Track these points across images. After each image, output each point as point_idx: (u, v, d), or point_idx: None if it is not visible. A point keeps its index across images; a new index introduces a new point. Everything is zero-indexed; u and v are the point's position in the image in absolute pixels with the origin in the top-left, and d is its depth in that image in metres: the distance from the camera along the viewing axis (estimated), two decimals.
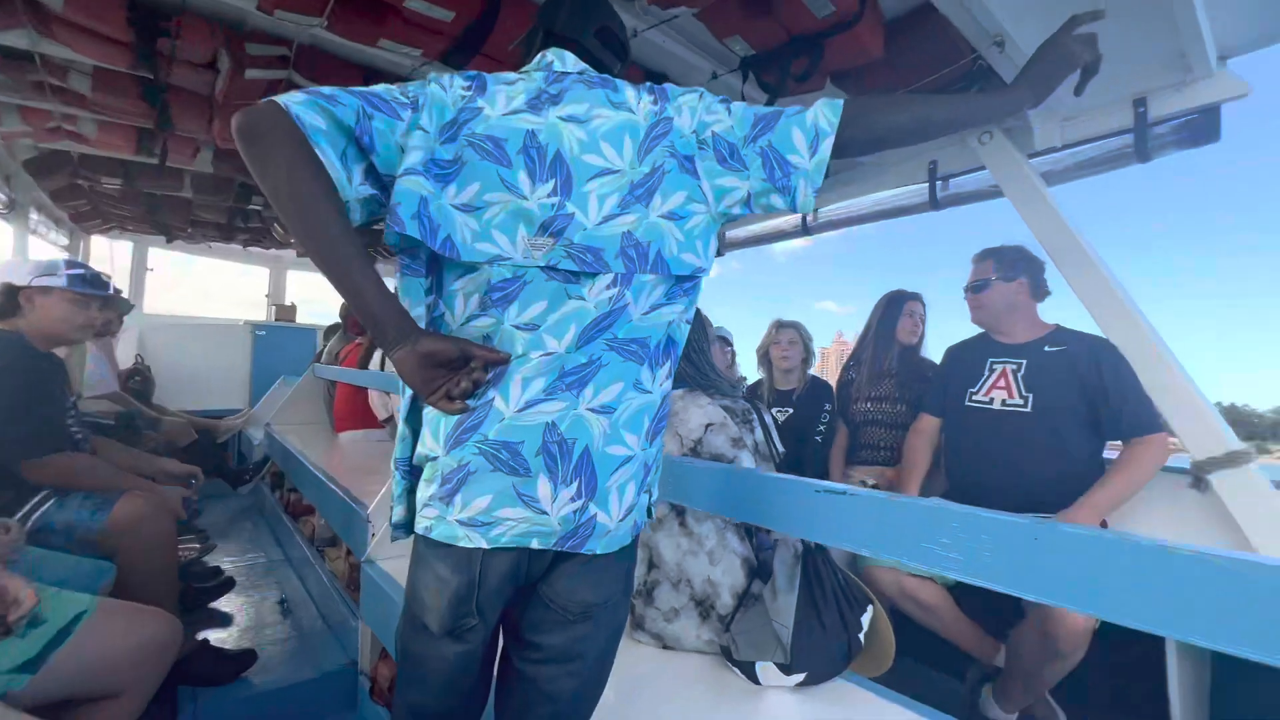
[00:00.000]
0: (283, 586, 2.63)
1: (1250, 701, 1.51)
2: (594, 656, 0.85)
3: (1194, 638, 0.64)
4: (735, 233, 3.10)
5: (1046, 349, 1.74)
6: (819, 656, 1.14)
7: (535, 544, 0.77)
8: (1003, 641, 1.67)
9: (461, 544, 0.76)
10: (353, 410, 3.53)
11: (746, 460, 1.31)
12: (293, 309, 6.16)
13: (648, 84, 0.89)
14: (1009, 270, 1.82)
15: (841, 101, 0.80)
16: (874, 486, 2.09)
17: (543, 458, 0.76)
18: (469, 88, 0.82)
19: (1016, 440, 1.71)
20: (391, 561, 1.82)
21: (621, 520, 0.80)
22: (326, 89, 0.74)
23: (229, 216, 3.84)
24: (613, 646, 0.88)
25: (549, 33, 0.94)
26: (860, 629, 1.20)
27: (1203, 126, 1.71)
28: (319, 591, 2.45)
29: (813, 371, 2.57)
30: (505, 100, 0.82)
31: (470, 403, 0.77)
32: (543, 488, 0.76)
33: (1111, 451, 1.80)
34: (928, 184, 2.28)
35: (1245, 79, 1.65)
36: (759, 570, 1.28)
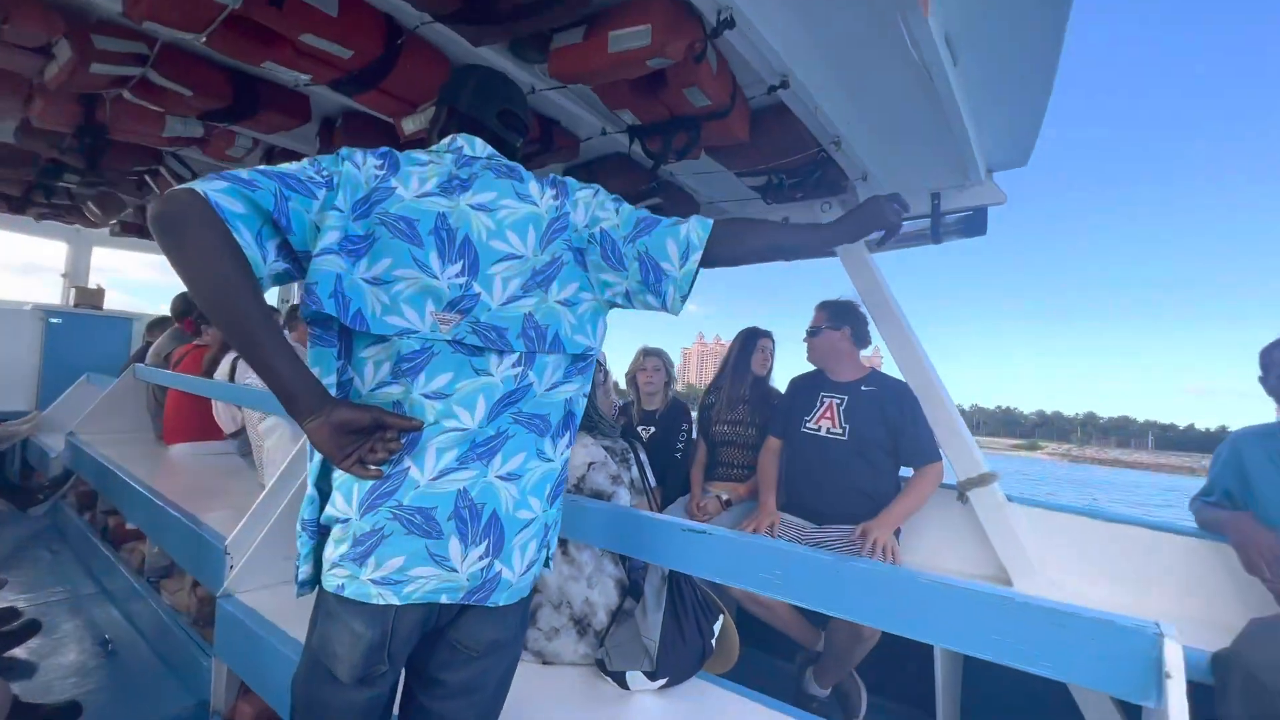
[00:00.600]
0: (102, 625, 2.34)
1: (992, 680, 2.01)
2: (493, 686, 0.96)
3: (936, 641, 0.92)
4: None
5: (863, 388, 2.14)
6: (679, 662, 1.35)
7: (444, 599, 0.86)
8: (823, 630, 2.03)
9: (374, 601, 0.83)
10: (187, 420, 3.18)
11: (624, 495, 1.49)
12: (99, 293, 5.26)
13: (551, 177, 1.01)
14: (837, 320, 2.19)
15: (712, 222, 0.99)
16: (727, 500, 2.40)
17: (454, 521, 0.85)
18: (381, 166, 0.89)
19: (837, 463, 2.08)
20: (254, 594, 1.74)
21: (523, 575, 0.91)
22: (245, 173, 0.78)
23: (25, 190, 3.25)
24: (509, 676, 1.00)
25: (453, 110, 1.03)
26: (713, 635, 1.44)
27: (976, 221, 2.22)
28: (153, 628, 2.22)
29: (675, 383, 2.86)
30: (418, 182, 0.89)
31: (384, 469, 0.84)
32: (454, 548, 0.85)
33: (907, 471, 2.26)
34: None
35: (1005, 191, 2.17)
36: (631, 590, 1.47)
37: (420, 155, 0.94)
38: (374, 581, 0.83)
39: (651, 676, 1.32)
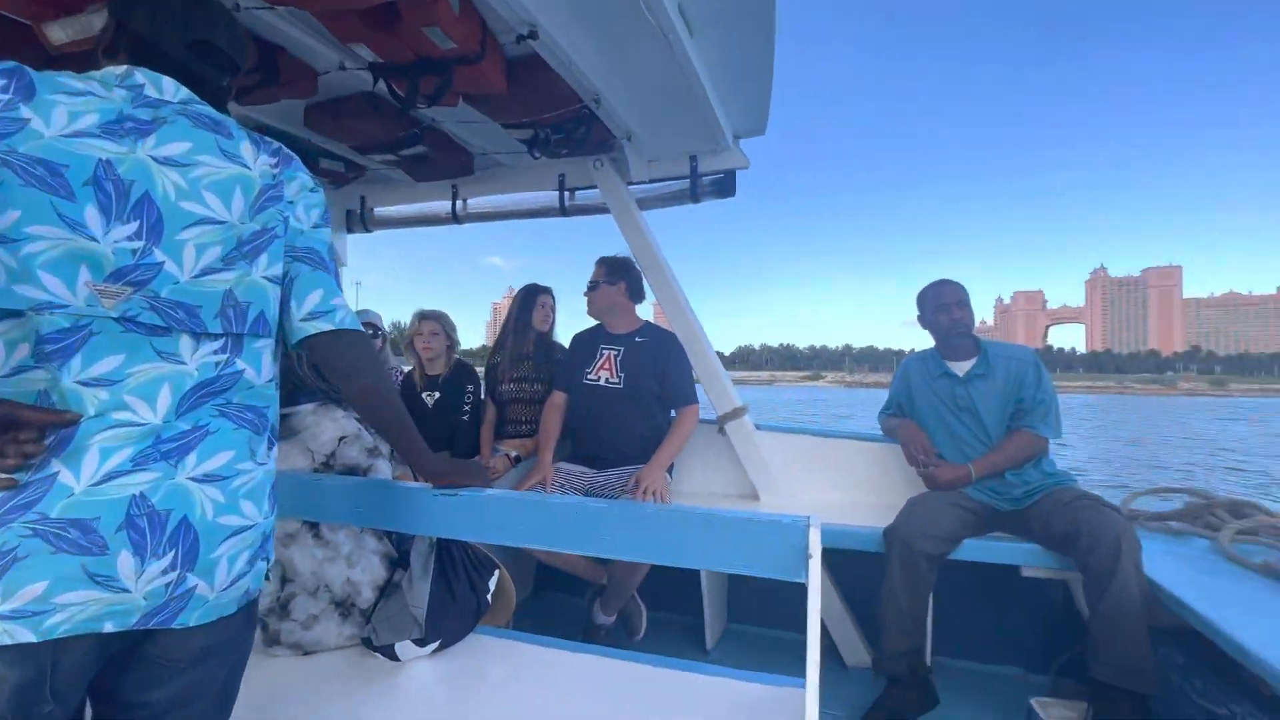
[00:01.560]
0: None
1: (753, 590, 2.37)
2: (214, 694, 0.85)
3: (662, 560, 1.05)
4: (386, 212, 3.02)
5: (637, 339, 2.30)
6: (452, 623, 1.36)
7: (110, 626, 0.72)
8: (605, 566, 2.21)
9: (1, 641, 0.67)
10: None
11: (383, 467, 1.42)
12: None
13: (270, 143, 0.89)
14: (613, 275, 2.30)
15: (355, 317, 0.95)
16: (516, 457, 2.44)
17: (126, 532, 0.71)
18: (7, 88, 0.69)
19: (615, 411, 2.23)
20: None
21: (226, 589, 0.80)
22: None
23: None
24: (236, 679, 0.89)
25: (123, 27, 0.83)
26: (488, 590, 1.47)
27: (726, 184, 2.46)
28: None
29: (459, 346, 2.77)
30: (66, 116, 0.71)
31: (21, 476, 0.68)
32: (124, 564, 0.71)
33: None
34: (558, 192, 2.66)
35: (750, 157, 2.43)
36: (401, 561, 1.43)
37: (72, 81, 0.74)
38: (3, 616, 0.67)
39: (421, 643, 1.31)
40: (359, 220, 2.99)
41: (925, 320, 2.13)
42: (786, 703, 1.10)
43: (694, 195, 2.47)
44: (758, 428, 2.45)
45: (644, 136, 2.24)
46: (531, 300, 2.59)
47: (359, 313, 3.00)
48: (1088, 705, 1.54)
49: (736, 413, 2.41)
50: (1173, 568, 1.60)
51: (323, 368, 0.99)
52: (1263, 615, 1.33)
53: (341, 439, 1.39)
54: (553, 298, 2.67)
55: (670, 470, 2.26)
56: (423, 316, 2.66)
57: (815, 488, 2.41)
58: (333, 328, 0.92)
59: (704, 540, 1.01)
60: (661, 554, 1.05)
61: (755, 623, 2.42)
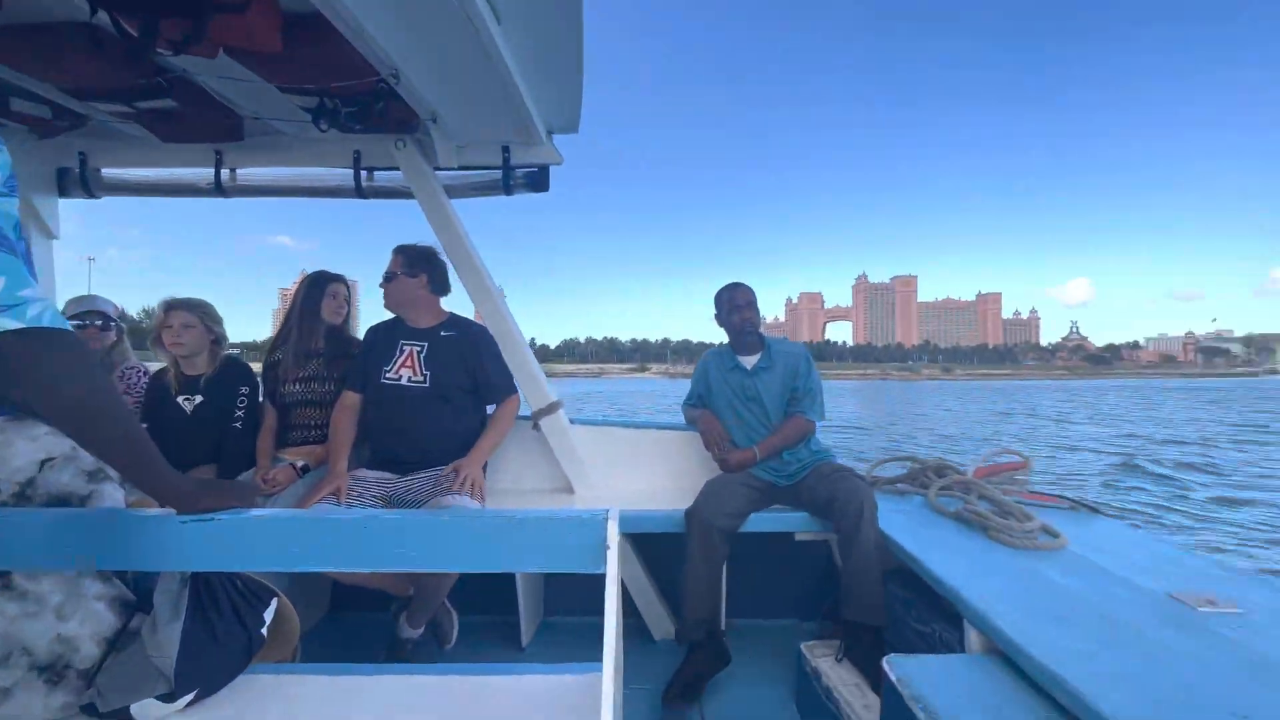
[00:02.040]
0: None
1: (568, 581, 2.38)
2: None
3: (456, 568, 1.02)
4: (120, 175, 2.45)
5: (443, 334, 2.17)
6: (213, 667, 1.16)
7: None
8: (412, 576, 2.07)
9: None
10: None
11: (112, 493, 1.16)
12: None
13: None
14: (413, 267, 2.14)
15: (62, 322, 0.77)
16: (304, 467, 2.16)
17: None
18: None
19: (420, 410, 2.08)
20: None
21: None
22: None
23: None
24: None
25: None
26: (263, 624, 1.28)
27: (540, 178, 2.45)
28: None
29: (226, 341, 2.34)
30: None
31: None
32: None
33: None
34: (353, 170, 2.40)
35: (564, 154, 2.44)
36: (139, 603, 1.18)
37: None
38: None
39: (170, 698, 1.10)
40: (78, 181, 2.39)
41: (720, 319, 2.35)
42: (591, 690, 1.14)
43: (506, 187, 2.42)
44: (571, 422, 2.50)
45: (451, 120, 2.12)
46: (319, 289, 2.30)
47: (80, 299, 2.40)
48: (840, 642, 1.86)
49: (551, 408, 2.42)
50: (898, 521, 2.00)
51: (10, 378, 0.77)
52: (950, 552, 1.72)
53: (46, 462, 1.10)
54: (347, 287, 2.41)
55: (484, 467, 2.20)
56: (170, 306, 2.19)
57: (626, 477, 2.53)
58: (20, 325, 0.73)
59: (507, 542, 1.00)
60: (464, 561, 1.02)
61: (572, 613, 2.48)
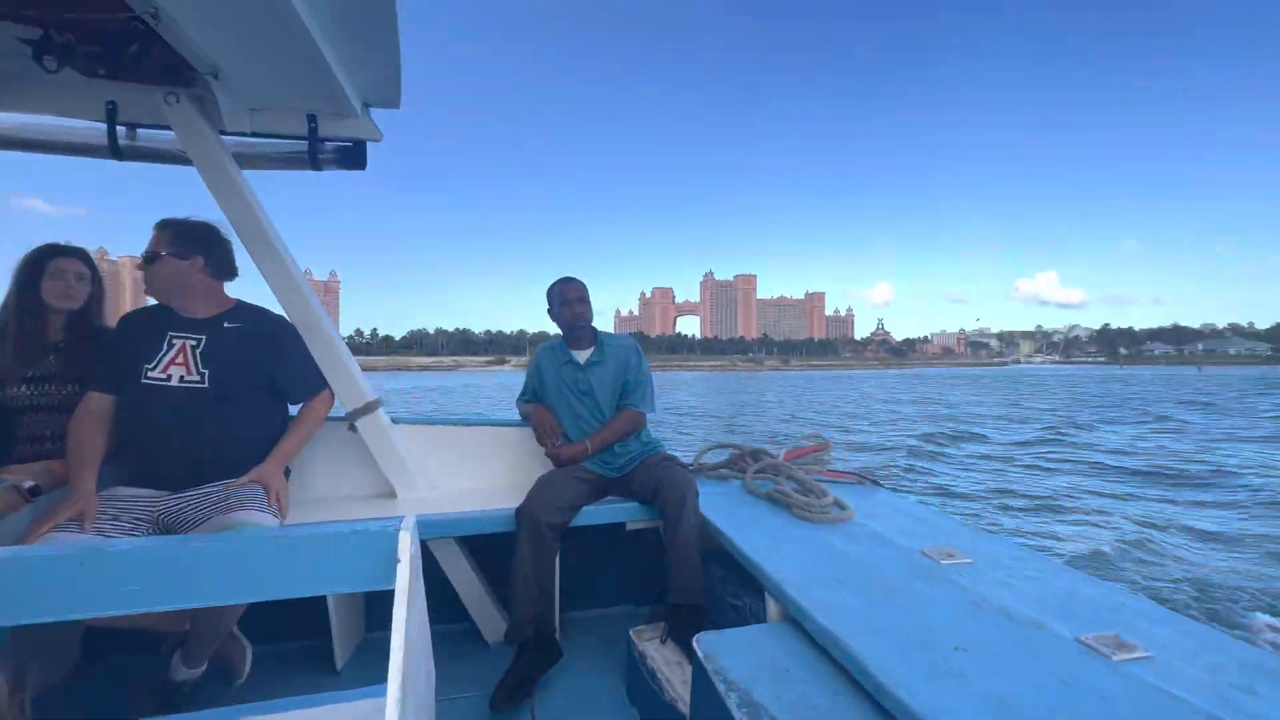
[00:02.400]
0: None
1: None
2: None
3: (276, 594, 0.88)
4: None
5: (226, 325, 1.86)
6: None
7: None
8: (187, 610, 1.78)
9: None
10: None
11: None
12: None
13: None
14: (184, 247, 1.80)
15: None
16: (33, 488, 1.74)
17: None
18: None
19: (198, 416, 1.76)
20: None
21: None
22: None
23: None
24: None
25: None
26: None
27: (354, 154, 2.21)
28: None
29: None
30: None
31: None
32: None
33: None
34: (106, 125, 1.98)
35: (385, 131, 2.23)
36: None
37: None
38: None
39: None
40: None
41: (553, 313, 2.33)
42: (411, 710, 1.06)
43: (314, 161, 2.15)
44: (395, 421, 2.31)
45: (239, 79, 1.82)
46: (38, 267, 1.84)
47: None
48: (665, 624, 1.95)
49: (369, 407, 2.22)
50: (719, 504, 2.14)
51: None
52: (758, 530, 1.88)
53: None
54: (89, 266, 1.95)
55: (287, 474, 1.95)
56: None
57: (457, 477, 2.41)
58: None
59: (287, 564, 0.89)
60: (231, 592, 0.88)
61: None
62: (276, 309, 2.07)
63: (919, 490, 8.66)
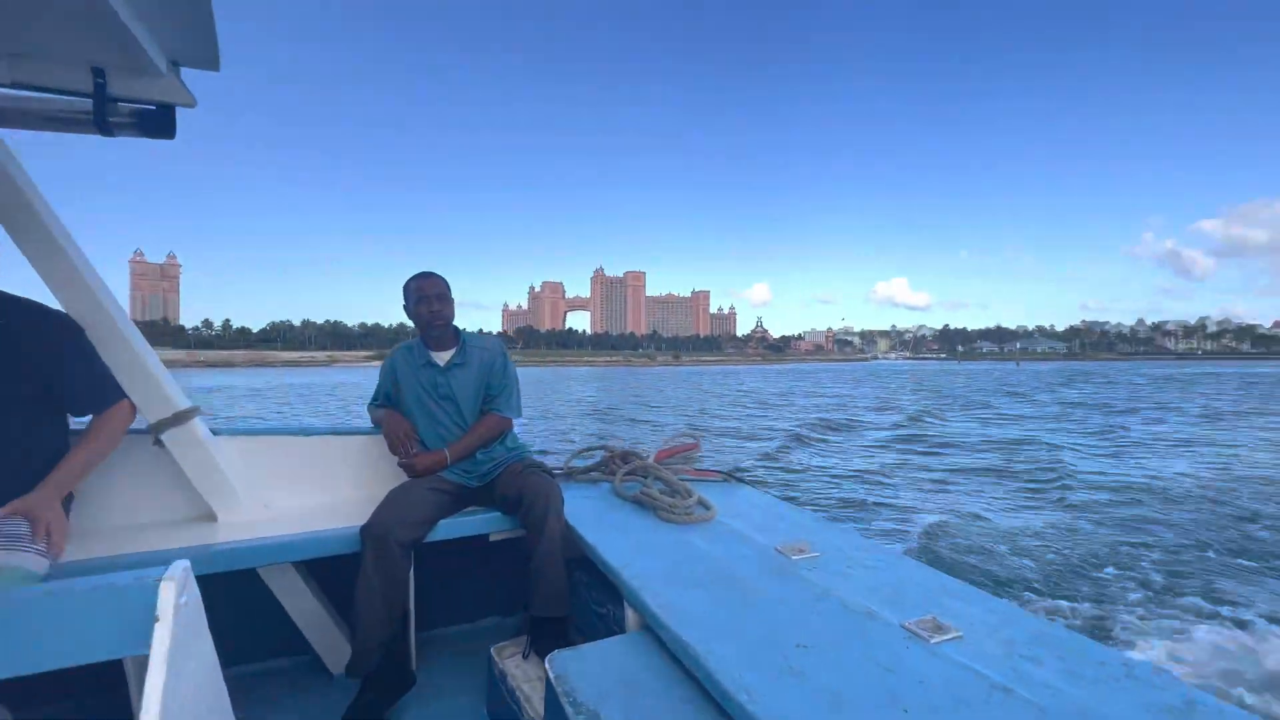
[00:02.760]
0: None
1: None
2: None
3: None
4: None
5: None
6: None
7: None
8: None
9: None
10: None
11: None
12: None
13: None
14: None
15: None
16: None
17: None
18: None
19: None
20: None
21: None
22: None
23: None
24: None
25: None
26: None
27: (159, 120, 1.88)
28: None
29: None
30: None
31: None
32: None
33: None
34: None
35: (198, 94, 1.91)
36: None
37: None
38: None
39: None
40: None
41: (408, 310, 2.15)
42: None
43: (102, 124, 1.79)
44: (215, 433, 2.01)
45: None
46: None
47: None
48: (527, 638, 1.87)
49: (180, 417, 1.90)
50: (586, 509, 2.09)
51: None
52: (622, 534, 1.86)
53: None
54: None
55: (68, 503, 1.61)
56: None
57: (295, 493, 2.15)
58: None
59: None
60: None
61: (242, 660, 2.02)
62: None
63: (803, 475, 9.25)
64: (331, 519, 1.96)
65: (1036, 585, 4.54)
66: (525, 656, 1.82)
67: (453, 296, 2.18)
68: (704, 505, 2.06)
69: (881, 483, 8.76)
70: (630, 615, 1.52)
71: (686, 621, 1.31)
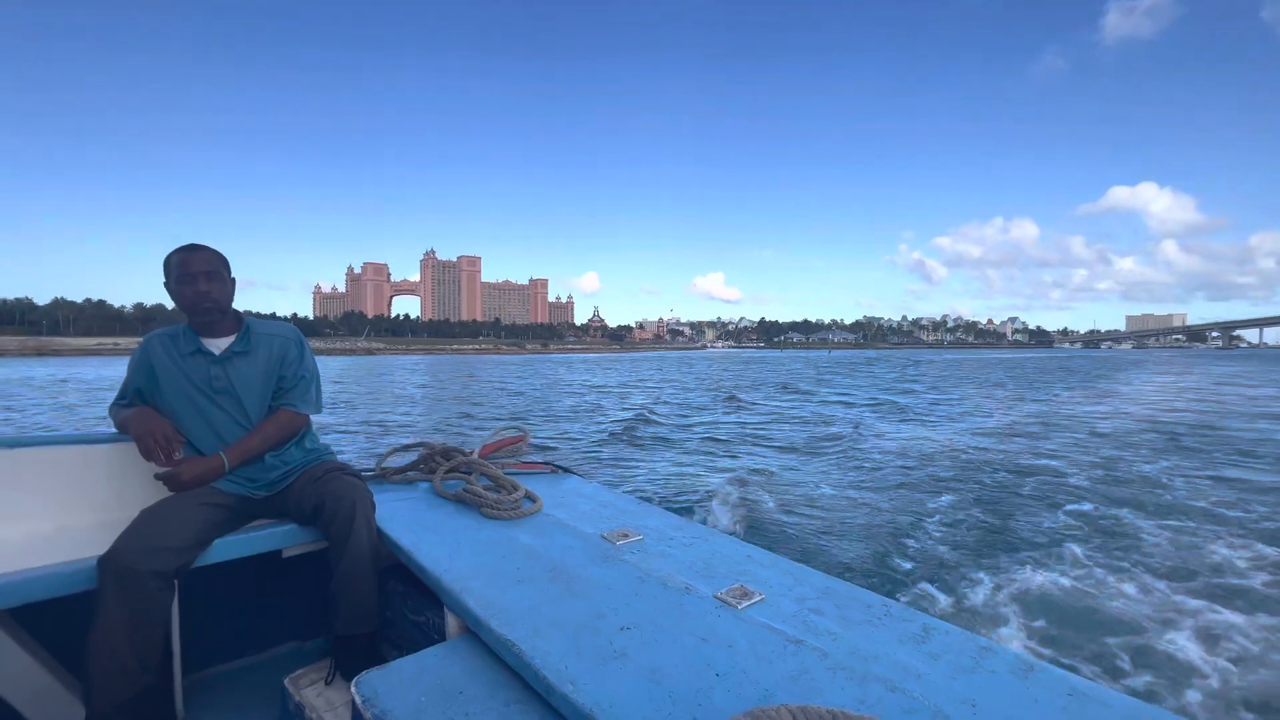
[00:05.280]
0: None
1: None
2: None
3: None
4: None
5: None
6: None
7: None
8: None
9: None
10: None
11: None
12: None
13: None
14: None
15: None
16: None
17: None
18: None
19: None
20: None
21: None
22: None
23: None
24: None
25: None
26: None
27: None
28: None
29: None
30: None
31: None
32: None
33: None
34: None
35: None
36: None
37: None
38: None
39: None
40: None
41: (170, 289, 1.77)
42: None
43: None
44: None
45: None
46: None
47: None
48: (330, 661, 1.67)
49: None
50: (402, 512, 1.93)
51: None
52: (442, 536, 1.74)
53: None
54: None
55: None
56: None
57: (14, 520, 1.67)
58: None
59: None
60: None
61: None
62: None
63: (639, 459, 9.56)
64: (55, 552, 1.55)
65: (826, 544, 5.23)
66: (329, 682, 1.63)
67: (231, 275, 1.85)
68: (530, 499, 2.02)
69: (710, 459, 9.45)
70: (451, 621, 1.43)
71: (510, 620, 1.26)
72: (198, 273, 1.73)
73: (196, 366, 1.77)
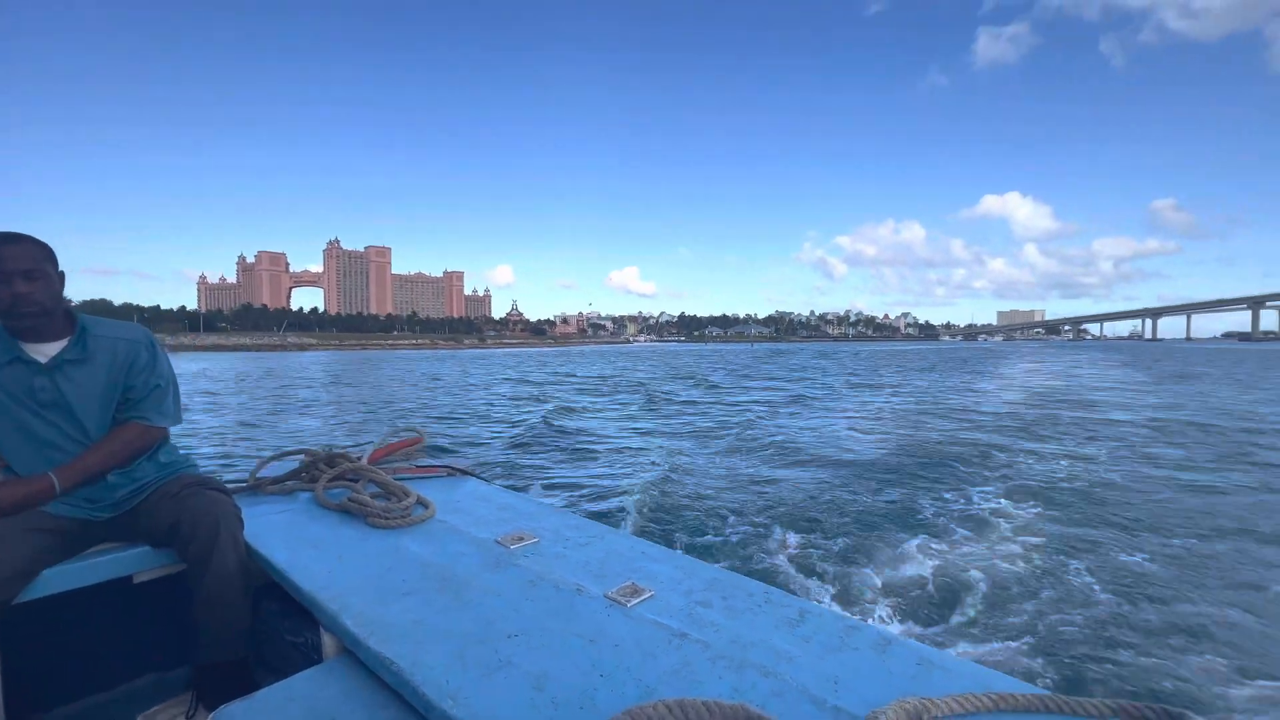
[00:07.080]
0: None
1: None
2: None
3: None
4: None
5: None
6: None
7: None
8: None
9: None
10: None
11: None
12: None
13: None
14: None
15: None
16: None
17: None
18: None
19: None
20: None
21: None
22: None
23: None
24: None
25: None
26: None
27: None
28: None
29: None
30: None
31: None
32: None
33: None
34: None
35: None
36: None
37: None
38: None
39: None
40: None
41: None
42: None
43: None
44: None
45: None
46: None
47: None
48: (192, 693, 1.53)
49: None
50: (278, 526, 1.79)
51: None
52: (322, 551, 1.64)
53: None
54: None
55: None
56: None
57: None
58: None
59: None
60: None
61: None
62: None
63: (546, 456, 9.42)
64: None
65: (713, 535, 5.40)
66: (190, 717, 1.50)
67: (58, 270, 1.63)
68: (422, 505, 1.94)
69: (618, 455, 9.50)
70: (328, 641, 1.34)
71: (391, 636, 1.21)
72: (14, 271, 1.50)
73: (16, 376, 1.55)
